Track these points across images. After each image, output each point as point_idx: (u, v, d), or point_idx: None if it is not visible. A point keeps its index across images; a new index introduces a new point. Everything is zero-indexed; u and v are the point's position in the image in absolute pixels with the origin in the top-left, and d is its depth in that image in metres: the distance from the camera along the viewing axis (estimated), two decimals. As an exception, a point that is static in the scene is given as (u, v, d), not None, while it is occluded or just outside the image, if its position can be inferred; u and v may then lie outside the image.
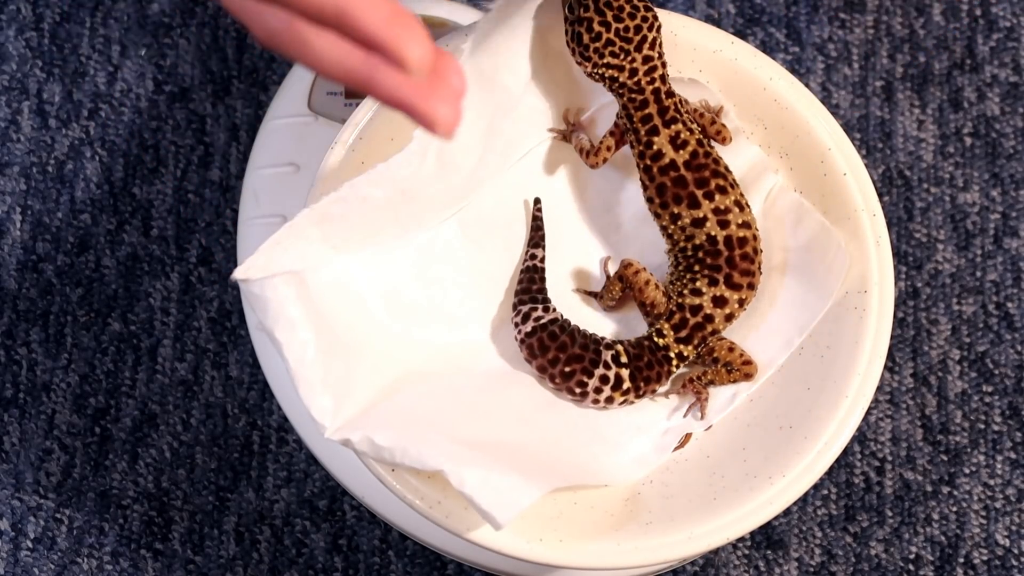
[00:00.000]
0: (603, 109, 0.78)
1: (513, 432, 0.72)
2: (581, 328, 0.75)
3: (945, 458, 0.91)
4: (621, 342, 0.75)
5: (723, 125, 0.76)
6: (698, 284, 0.74)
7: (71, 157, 0.96)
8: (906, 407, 0.92)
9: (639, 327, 0.77)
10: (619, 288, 0.76)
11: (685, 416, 0.75)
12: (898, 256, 0.94)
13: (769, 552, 0.90)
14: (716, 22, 0.98)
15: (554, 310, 0.75)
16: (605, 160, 0.77)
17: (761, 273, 0.75)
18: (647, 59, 0.74)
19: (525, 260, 0.77)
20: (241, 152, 0.96)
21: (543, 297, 0.75)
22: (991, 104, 0.96)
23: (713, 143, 0.76)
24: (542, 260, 0.76)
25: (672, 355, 0.74)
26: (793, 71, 0.97)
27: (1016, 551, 0.90)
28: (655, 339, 0.75)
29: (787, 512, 0.90)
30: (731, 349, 0.75)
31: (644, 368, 0.74)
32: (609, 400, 0.74)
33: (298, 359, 0.67)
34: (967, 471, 0.91)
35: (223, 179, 0.95)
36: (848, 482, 0.91)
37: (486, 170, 0.76)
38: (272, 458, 0.91)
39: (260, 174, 0.89)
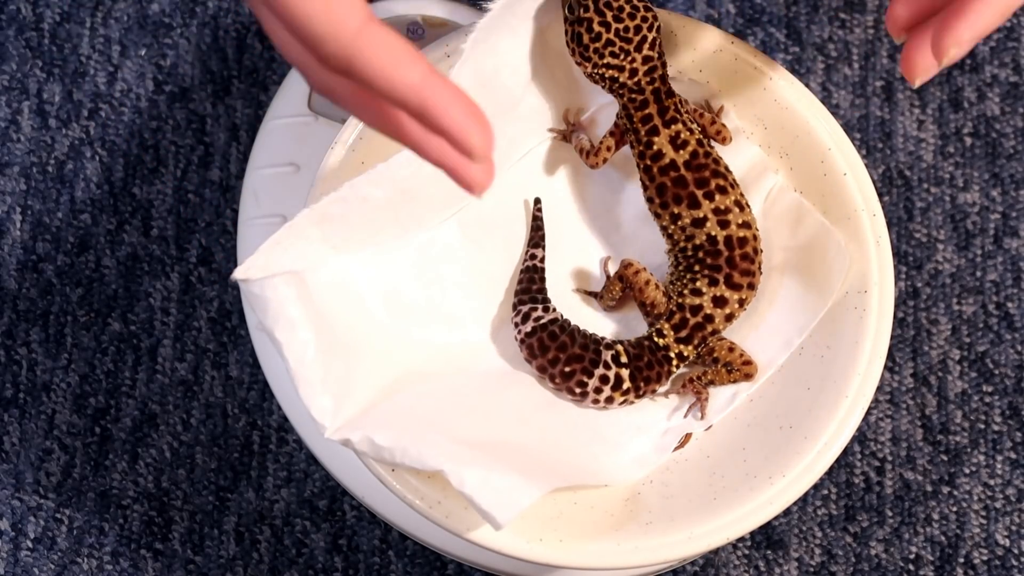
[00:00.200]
0: (603, 109, 0.78)
1: (513, 432, 0.72)
2: (581, 328, 0.75)
3: (945, 458, 0.91)
4: (621, 342, 0.75)
5: (723, 125, 0.76)
6: (698, 284, 0.74)
7: (71, 157, 0.96)
8: (906, 407, 0.92)
9: (639, 327, 0.77)
10: (619, 288, 0.76)
11: (685, 416, 0.75)
12: (898, 256, 0.94)
13: (769, 552, 0.90)
14: (716, 22, 0.98)
15: (554, 310, 0.75)
16: (605, 160, 0.77)
17: (761, 273, 0.75)
18: (647, 59, 0.74)
19: (525, 260, 0.77)
20: (241, 152, 0.96)
21: (543, 297, 0.75)
22: (991, 104, 0.96)
23: (713, 143, 0.76)
24: (542, 260, 0.76)
25: (672, 355, 0.74)
26: (793, 71, 0.97)
27: (1016, 551, 0.90)
28: (655, 339, 0.75)
29: (787, 512, 0.90)
30: (731, 349, 0.75)
31: (644, 368, 0.74)
32: (609, 400, 0.74)
33: (298, 359, 0.67)
34: (967, 471, 0.91)
35: (223, 179, 0.95)
36: (848, 482, 0.91)
37: (486, 170, 0.76)
38: (272, 458, 0.91)
39: (260, 174, 0.89)
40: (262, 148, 0.89)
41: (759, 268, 0.75)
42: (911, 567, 0.89)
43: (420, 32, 0.88)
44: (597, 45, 0.73)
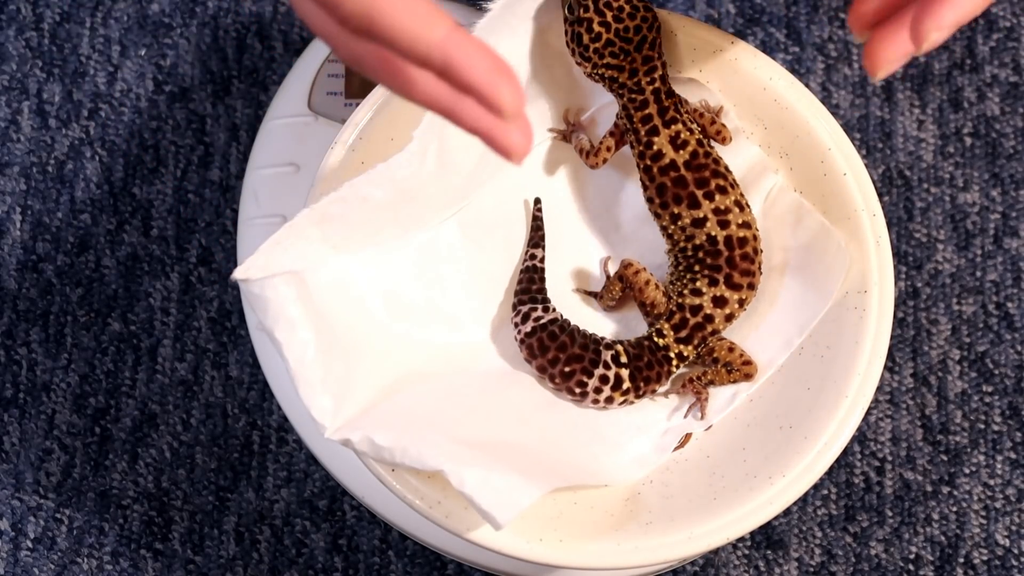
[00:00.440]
0: (603, 109, 0.78)
1: (513, 432, 0.72)
2: (581, 328, 0.75)
3: (945, 458, 0.91)
4: (621, 342, 0.75)
5: (723, 125, 0.76)
6: (698, 284, 0.74)
7: (71, 157, 0.96)
8: (906, 407, 0.92)
9: (639, 327, 0.77)
10: (619, 288, 0.76)
11: (685, 416, 0.75)
12: (898, 256, 0.94)
13: (769, 552, 0.90)
14: (716, 22, 0.98)
15: (554, 310, 0.75)
16: (605, 160, 0.77)
17: (761, 273, 0.75)
18: (647, 59, 0.74)
19: (525, 260, 0.77)
20: (241, 152, 0.96)
21: (543, 297, 0.75)
22: (991, 104, 0.96)
23: (713, 143, 0.76)
24: (542, 260, 0.76)
25: (672, 355, 0.74)
26: (793, 71, 0.97)
27: (1016, 551, 0.90)
28: (655, 339, 0.75)
29: (787, 512, 0.90)
30: (731, 349, 0.75)
31: (644, 368, 0.74)
32: (609, 400, 0.74)
33: (298, 359, 0.67)
34: (967, 471, 0.91)
35: (223, 179, 0.95)
36: (848, 482, 0.91)
37: (486, 170, 0.76)
38: (272, 458, 0.91)
39: (260, 174, 0.89)
40: (262, 148, 0.89)
41: (759, 268, 0.75)
42: (911, 567, 0.89)
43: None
44: (597, 45, 0.73)
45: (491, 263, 0.77)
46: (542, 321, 0.74)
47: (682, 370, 0.76)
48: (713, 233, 0.74)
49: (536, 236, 0.77)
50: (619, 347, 0.74)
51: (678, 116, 0.74)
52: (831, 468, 0.85)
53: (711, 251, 0.74)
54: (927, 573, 0.89)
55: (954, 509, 0.90)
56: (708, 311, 0.74)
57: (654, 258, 0.77)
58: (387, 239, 0.74)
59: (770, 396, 0.74)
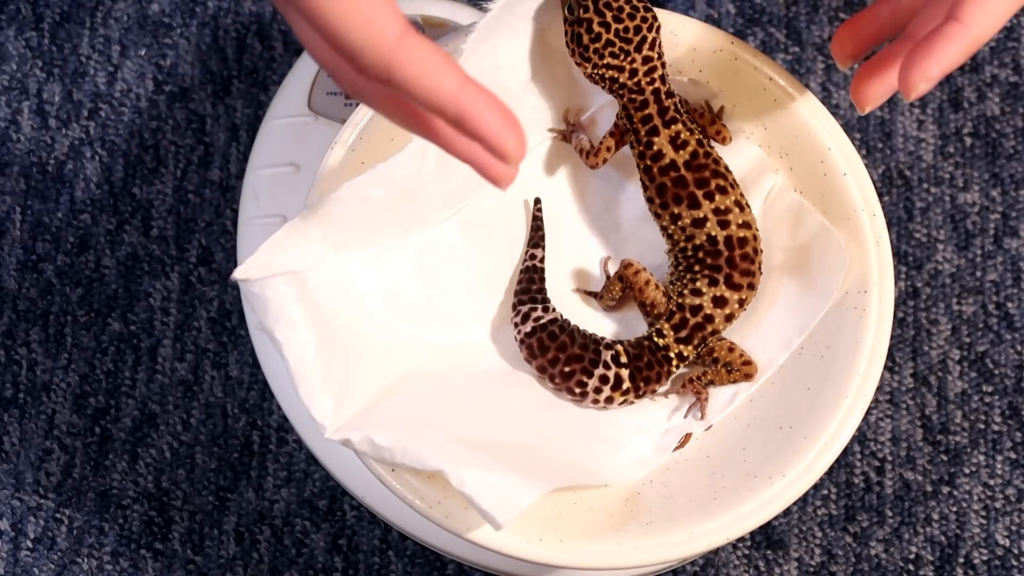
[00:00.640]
0: (603, 109, 0.78)
1: (513, 432, 0.72)
2: (581, 328, 0.75)
3: (945, 458, 0.91)
4: (621, 342, 0.75)
5: (723, 125, 0.76)
6: (698, 284, 0.74)
7: (71, 157, 0.96)
8: (906, 407, 0.92)
9: (639, 327, 0.77)
10: (619, 288, 0.76)
11: (685, 416, 0.75)
12: (898, 256, 0.94)
13: (769, 552, 0.90)
14: (716, 22, 0.98)
15: (554, 310, 0.75)
16: (605, 160, 0.77)
17: (761, 273, 0.75)
18: (647, 59, 0.74)
19: (525, 260, 0.77)
20: (241, 152, 0.96)
21: (543, 297, 0.75)
22: (991, 104, 0.96)
23: (713, 143, 0.76)
24: (542, 260, 0.76)
25: (672, 355, 0.74)
26: (793, 71, 0.97)
27: (1016, 551, 0.90)
28: (655, 339, 0.75)
29: (787, 512, 0.90)
30: (731, 349, 0.75)
31: (644, 368, 0.74)
32: (609, 400, 0.74)
33: (298, 359, 0.67)
34: (967, 471, 0.91)
35: (223, 179, 0.95)
36: (848, 482, 0.91)
37: (486, 170, 0.76)
38: (272, 458, 0.91)
39: (260, 174, 0.89)
40: (262, 148, 0.89)
41: (759, 268, 0.75)
42: (911, 567, 0.89)
43: (420, 32, 0.88)
44: (597, 45, 0.73)
45: (491, 263, 0.77)
46: (542, 321, 0.74)
47: (682, 370, 0.76)
48: (713, 233, 0.74)
49: (536, 236, 0.77)
50: (619, 347, 0.74)
51: (678, 116, 0.74)
52: (831, 468, 0.85)
53: (711, 251, 0.74)
54: (927, 573, 0.89)
55: (954, 509, 0.90)
56: (708, 311, 0.74)
57: (654, 258, 0.77)
58: (387, 239, 0.74)
59: (770, 396, 0.74)
